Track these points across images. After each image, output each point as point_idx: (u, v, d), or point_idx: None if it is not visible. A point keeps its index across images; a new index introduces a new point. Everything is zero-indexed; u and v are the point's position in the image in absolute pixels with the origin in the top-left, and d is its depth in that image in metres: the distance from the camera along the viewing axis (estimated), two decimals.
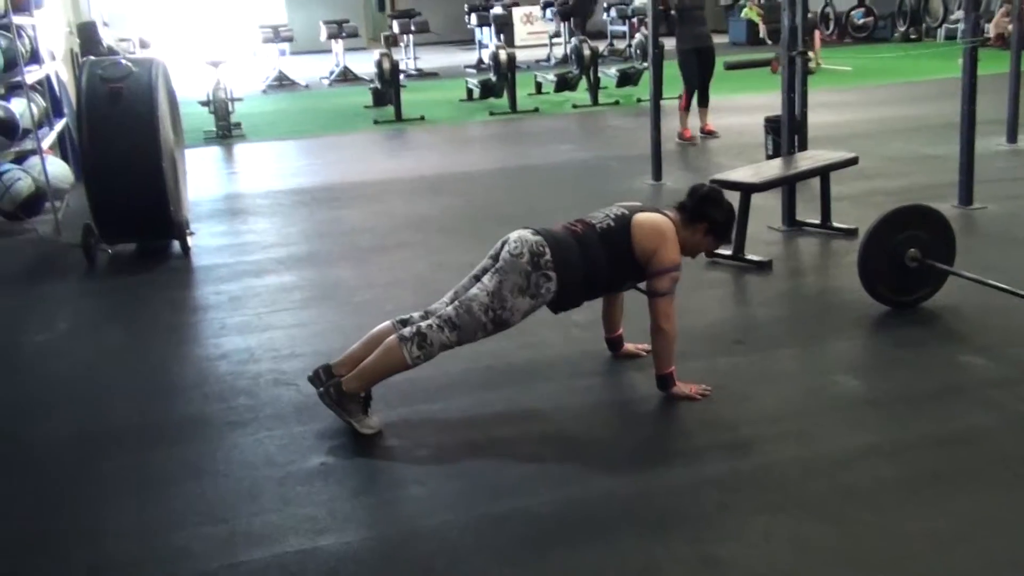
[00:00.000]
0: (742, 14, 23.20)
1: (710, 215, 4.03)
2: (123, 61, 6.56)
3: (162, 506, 3.37)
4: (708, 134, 10.30)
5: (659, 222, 3.95)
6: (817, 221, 6.45)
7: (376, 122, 12.94)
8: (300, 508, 3.28)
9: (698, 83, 10.16)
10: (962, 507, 3.09)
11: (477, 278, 3.94)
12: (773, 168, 6.51)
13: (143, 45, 17.03)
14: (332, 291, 5.78)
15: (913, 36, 19.10)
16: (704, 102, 10.27)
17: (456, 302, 3.83)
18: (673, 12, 10.00)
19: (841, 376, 4.19)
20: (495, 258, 3.92)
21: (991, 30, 17.45)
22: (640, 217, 3.96)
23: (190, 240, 6.78)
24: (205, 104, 12.26)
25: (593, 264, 3.88)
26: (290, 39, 19.72)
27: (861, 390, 4.07)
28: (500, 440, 3.70)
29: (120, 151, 6.21)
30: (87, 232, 6.45)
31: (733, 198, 5.83)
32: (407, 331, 3.76)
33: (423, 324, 3.78)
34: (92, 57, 6.98)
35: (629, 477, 3.40)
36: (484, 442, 3.69)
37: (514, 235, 3.90)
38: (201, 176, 9.52)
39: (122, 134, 6.22)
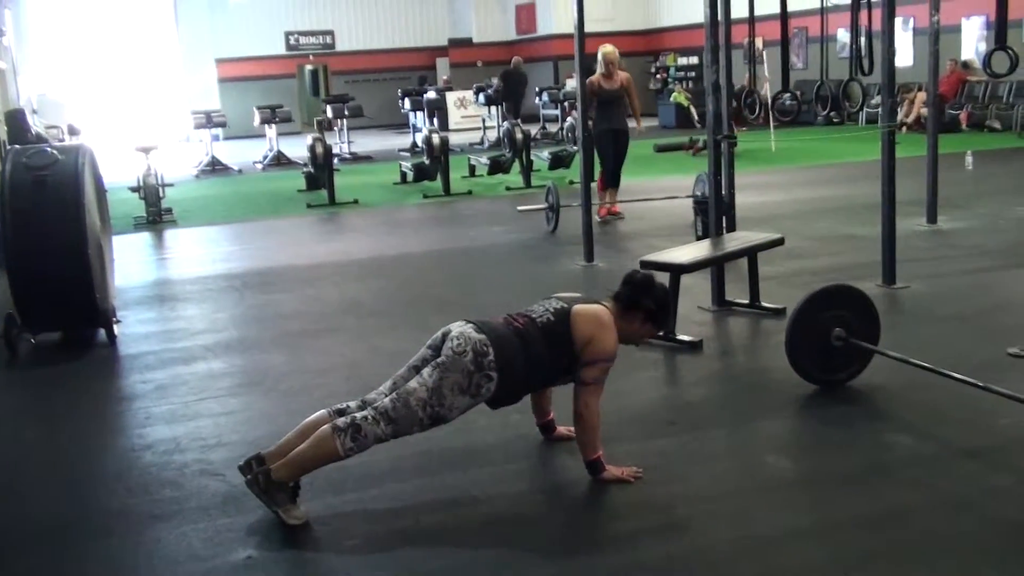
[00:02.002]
0: (671, 98, 23.75)
1: (645, 303, 4.06)
2: (48, 148, 6.50)
3: None
4: (613, 215, 10.47)
5: (598, 312, 3.98)
6: (746, 301, 6.53)
7: (309, 206, 12.92)
8: None
9: (611, 165, 10.34)
10: None
11: (416, 368, 3.90)
12: (702, 249, 6.60)
13: (72, 132, 16.95)
14: (261, 378, 5.70)
15: (836, 120, 19.65)
16: (615, 183, 10.46)
17: (394, 395, 3.79)
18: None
19: (772, 456, 4.21)
20: (435, 350, 3.89)
21: (911, 113, 18.04)
22: (578, 308, 3.98)
23: (117, 328, 6.66)
24: (135, 190, 12.16)
25: (534, 362, 3.89)
26: (223, 124, 19.73)
27: (791, 470, 4.09)
28: (431, 528, 3.65)
29: (44, 239, 6.12)
30: (9, 322, 6.31)
31: (663, 279, 5.91)
32: (341, 421, 3.71)
33: (358, 415, 3.73)
34: (17, 146, 6.89)
35: (562, 564, 3.36)
36: (414, 531, 3.63)
37: (456, 329, 3.87)
38: (130, 262, 9.40)
39: (47, 222, 6.13)
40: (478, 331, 3.83)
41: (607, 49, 10.25)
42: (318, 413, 3.90)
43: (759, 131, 16.64)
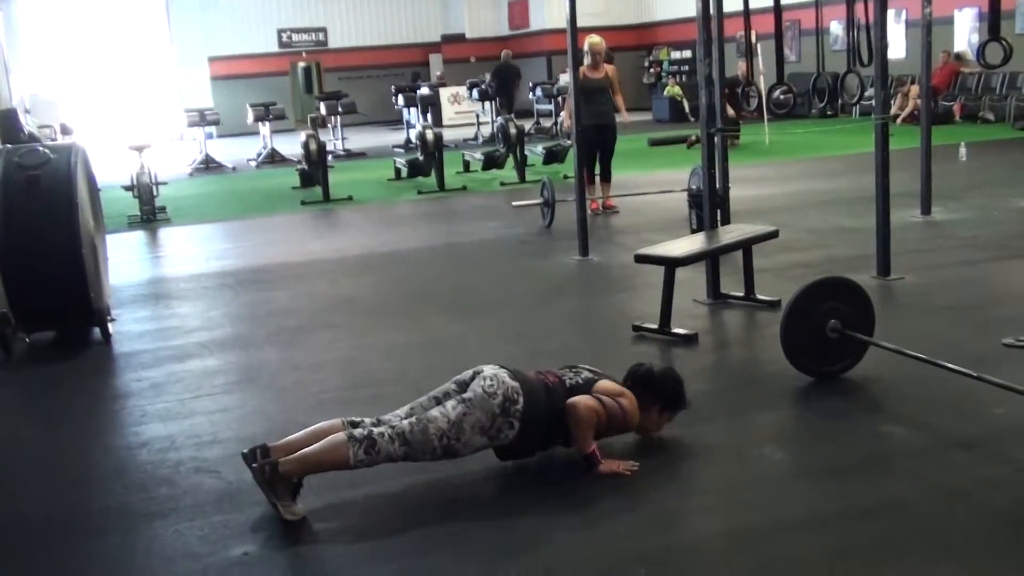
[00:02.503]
0: (665, 92, 23.76)
1: (659, 395, 4.17)
2: (41, 148, 6.49)
3: None
4: (608, 208, 10.45)
5: (623, 390, 4.09)
6: (741, 294, 6.54)
7: (303, 203, 12.91)
8: None
9: (600, 158, 10.33)
10: None
11: (437, 400, 3.94)
12: (697, 242, 6.61)
13: (65, 131, 16.92)
14: (256, 375, 5.69)
15: (830, 112, 19.67)
16: (606, 177, 10.46)
17: (414, 418, 3.82)
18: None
19: (767, 448, 4.21)
20: (461, 386, 3.93)
21: (906, 107, 18.05)
22: (606, 381, 4.09)
23: (111, 326, 6.65)
24: (129, 188, 12.13)
25: (556, 422, 3.93)
26: (216, 122, 19.69)
27: (787, 462, 4.10)
28: (428, 525, 3.64)
29: (38, 238, 6.11)
30: (3, 321, 6.29)
31: (658, 272, 5.93)
32: (358, 432, 3.74)
33: (375, 430, 3.75)
34: (9, 145, 6.87)
35: (557, 557, 3.36)
36: (412, 527, 3.63)
37: (489, 371, 3.91)
38: (124, 261, 9.38)
39: (40, 221, 6.12)
40: (512, 378, 3.88)
41: (593, 40, 10.27)
42: (332, 421, 3.92)
43: (753, 124, 16.65)
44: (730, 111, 14.70)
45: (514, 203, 10.75)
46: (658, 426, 4.24)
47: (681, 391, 4.25)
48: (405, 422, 3.80)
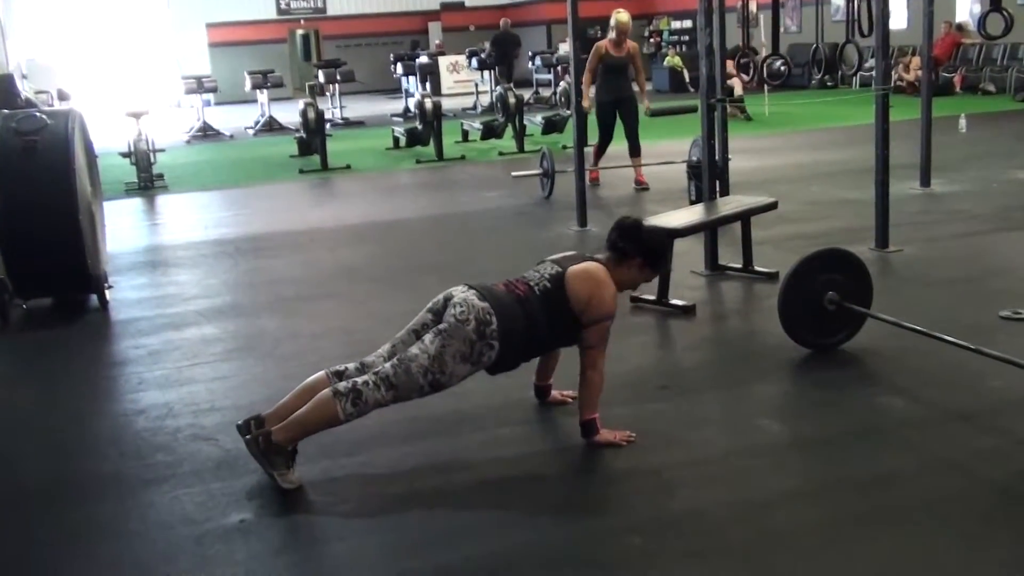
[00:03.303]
0: (665, 62, 23.66)
1: (641, 247, 4.04)
2: (38, 114, 6.46)
3: (74, 569, 3.26)
4: (639, 184, 10.28)
5: (591, 269, 3.96)
6: (739, 265, 6.53)
7: (302, 171, 12.87)
8: (218, 568, 3.20)
9: (626, 133, 10.27)
10: (883, 550, 3.11)
11: (416, 333, 3.89)
12: (696, 213, 6.59)
13: (62, 97, 16.81)
14: (255, 343, 5.69)
15: (829, 83, 19.59)
16: (635, 151, 10.30)
17: (395, 360, 3.76)
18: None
19: (764, 419, 4.22)
20: (436, 314, 3.87)
21: (908, 75, 17.97)
22: (572, 270, 3.95)
23: (108, 294, 6.64)
24: (126, 155, 12.09)
25: (535, 330, 3.87)
26: (214, 89, 19.61)
27: (784, 433, 4.11)
28: (424, 492, 3.65)
29: (35, 205, 6.08)
30: (0, 287, 6.29)
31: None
32: (342, 386, 3.69)
33: (359, 380, 3.71)
34: (6, 111, 6.84)
35: (554, 527, 3.38)
36: (407, 495, 3.64)
37: (459, 296, 3.84)
38: (121, 228, 9.36)
39: (37, 187, 6.10)
40: (481, 299, 3.81)
41: (621, 17, 10.05)
42: (317, 375, 3.89)
43: (752, 95, 16.59)
44: (738, 85, 14.67)
45: (513, 173, 10.72)
46: (639, 283, 4.20)
47: (664, 249, 4.17)
48: (387, 366, 3.74)
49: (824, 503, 3.44)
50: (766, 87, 15.52)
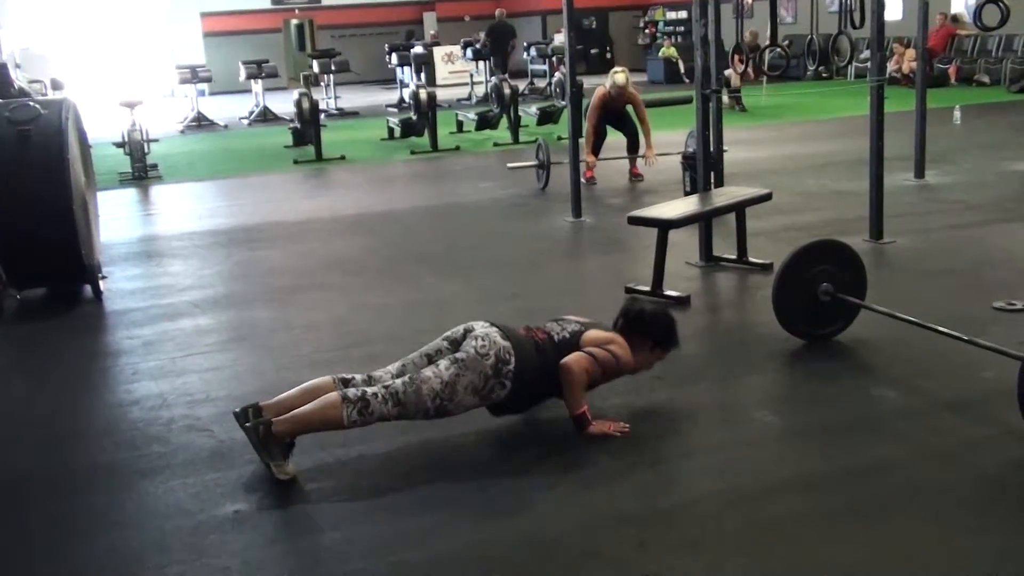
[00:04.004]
0: (660, 53, 23.63)
1: (650, 333, 4.16)
2: (31, 103, 6.44)
3: (68, 559, 3.26)
4: (634, 175, 10.32)
5: (614, 336, 4.09)
6: (733, 256, 6.54)
7: (296, 162, 12.85)
8: (213, 558, 3.20)
9: (626, 134, 10.26)
10: (876, 539, 3.12)
11: (429, 357, 3.94)
12: (690, 204, 6.60)
13: (56, 87, 16.77)
14: (249, 334, 5.69)
15: (824, 74, 19.57)
16: (633, 148, 10.27)
17: (407, 378, 3.80)
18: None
19: (758, 410, 4.23)
20: (452, 344, 3.93)
21: (903, 67, 17.97)
22: (594, 330, 4.08)
23: (103, 284, 6.63)
24: (120, 145, 12.06)
25: (547, 378, 3.93)
26: (208, 79, 19.54)
27: (778, 424, 4.12)
28: (418, 484, 3.66)
29: (29, 194, 6.07)
30: None
31: (651, 234, 5.92)
32: (352, 393, 3.72)
33: (369, 391, 3.74)
34: (0, 100, 6.82)
35: (548, 518, 3.38)
36: (402, 486, 3.64)
37: (480, 330, 3.89)
38: (115, 218, 9.35)
39: (31, 177, 6.08)
40: (503, 337, 3.87)
41: (619, 80, 9.89)
42: (323, 378, 3.92)
43: (748, 86, 16.58)
44: (735, 77, 14.62)
45: (509, 164, 10.70)
46: (650, 365, 4.24)
47: (673, 328, 4.24)
48: (398, 382, 3.79)
49: (818, 493, 3.45)
50: (765, 79, 15.53)
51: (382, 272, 7.01)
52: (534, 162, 9.97)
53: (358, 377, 3.92)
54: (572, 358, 3.94)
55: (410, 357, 3.99)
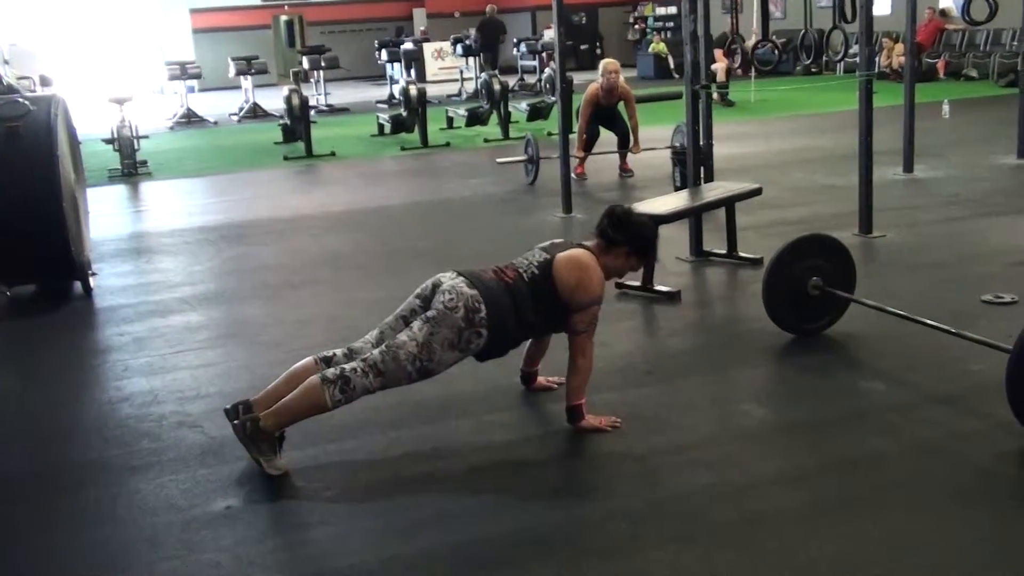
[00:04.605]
0: (650, 49, 23.64)
1: (629, 235, 4.04)
2: (20, 99, 6.42)
3: (59, 555, 3.26)
4: (624, 171, 10.31)
5: (577, 256, 3.96)
6: (723, 251, 6.55)
7: (286, 158, 12.83)
8: (204, 554, 3.20)
9: (616, 132, 10.26)
10: (865, 531, 3.14)
11: (405, 319, 3.89)
12: (680, 199, 6.61)
13: (44, 83, 16.69)
14: (239, 330, 5.69)
15: (814, 69, 19.60)
16: (624, 144, 10.27)
17: (383, 347, 3.76)
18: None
19: (748, 404, 4.24)
20: (424, 300, 3.87)
21: (892, 61, 18.01)
22: (560, 256, 3.96)
23: (92, 281, 6.62)
24: (109, 142, 12.02)
25: (523, 317, 3.88)
26: (198, 76, 19.48)
27: (768, 418, 4.13)
28: (410, 478, 3.66)
29: (18, 191, 6.05)
30: None
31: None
32: (331, 373, 3.69)
33: (347, 367, 3.71)
34: None
35: (541, 512, 3.39)
36: (394, 481, 3.65)
37: (447, 283, 3.84)
38: (105, 215, 9.33)
39: (20, 174, 6.06)
40: (470, 286, 3.81)
41: (609, 65, 9.95)
42: (304, 361, 3.89)
43: (737, 81, 16.60)
44: (721, 71, 14.64)
45: (498, 160, 10.71)
46: (622, 272, 4.19)
47: (654, 238, 4.17)
48: (375, 352, 3.74)
49: (808, 486, 3.46)
50: (753, 74, 15.54)
51: (372, 268, 7.00)
52: (523, 157, 9.97)
53: (338, 352, 3.88)
54: (579, 349, 3.91)
55: (386, 321, 3.94)
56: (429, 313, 3.79)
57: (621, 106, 10.19)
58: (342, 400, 3.69)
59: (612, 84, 9.89)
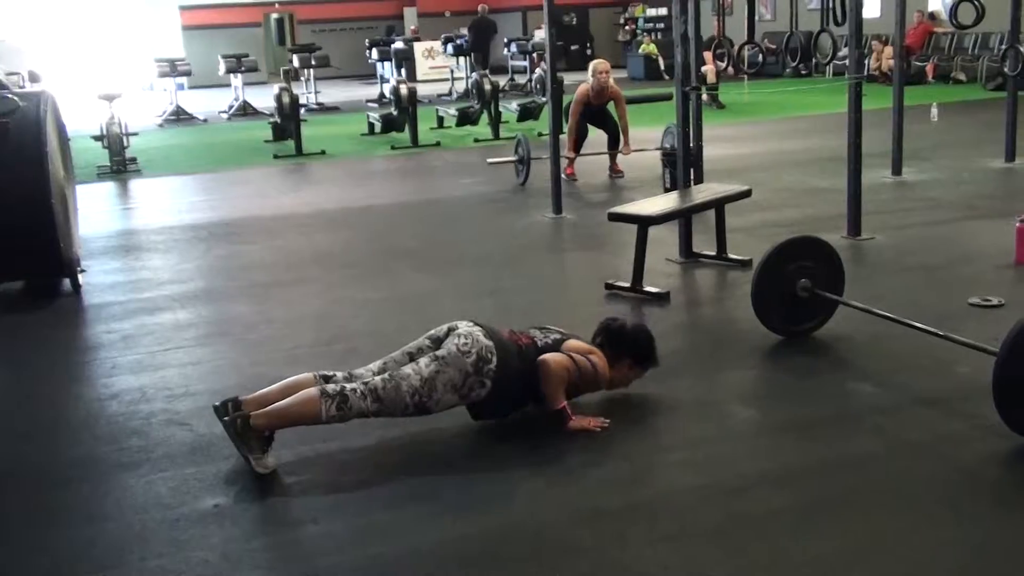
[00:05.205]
0: (640, 50, 23.67)
1: (630, 350, 4.19)
2: (9, 95, 6.39)
3: (47, 553, 3.26)
4: (615, 172, 10.31)
5: (593, 347, 4.12)
6: (713, 253, 6.57)
7: (276, 156, 12.82)
8: (192, 551, 3.20)
9: (607, 132, 10.26)
10: (851, 532, 3.15)
11: (411, 356, 3.94)
12: (670, 201, 6.62)
13: (33, 79, 16.63)
14: (228, 328, 5.68)
15: (804, 72, 19.67)
16: (614, 144, 10.28)
17: (387, 374, 3.81)
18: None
19: (736, 405, 4.26)
20: (435, 342, 3.93)
21: (881, 64, 18.07)
22: (574, 340, 4.11)
23: (81, 278, 6.60)
24: (99, 138, 11.99)
25: (527, 383, 3.94)
26: (188, 73, 19.45)
27: (755, 419, 4.15)
28: (397, 478, 3.67)
29: (6, 187, 6.02)
30: None
31: (631, 231, 5.94)
32: (331, 388, 3.73)
33: (348, 386, 3.75)
34: None
35: (528, 511, 3.40)
36: (381, 480, 3.65)
37: (464, 328, 3.90)
38: (94, 212, 9.30)
39: (9, 170, 6.03)
40: (486, 337, 3.88)
41: (599, 66, 9.97)
42: (304, 375, 3.92)
43: (727, 83, 16.63)
44: (711, 73, 14.68)
45: (489, 160, 10.71)
46: (627, 381, 4.27)
47: (652, 346, 4.27)
48: (378, 379, 3.80)
49: (795, 487, 3.48)
50: (746, 76, 15.58)
51: (362, 267, 7.00)
52: (513, 157, 9.98)
53: (339, 374, 3.93)
54: (550, 356, 3.96)
55: (392, 355, 4.00)
56: (440, 352, 3.84)
57: (611, 106, 10.20)
58: (336, 417, 3.72)
59: (602, 84, 9.91)
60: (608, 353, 4.14)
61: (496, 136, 13.55)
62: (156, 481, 3.71)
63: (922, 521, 3.23)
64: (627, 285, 5.85)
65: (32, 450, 4.11)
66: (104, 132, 11.78)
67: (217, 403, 3.85)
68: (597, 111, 10.16)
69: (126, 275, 7.03)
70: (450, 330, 3.94)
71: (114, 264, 7.36)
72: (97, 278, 6.88)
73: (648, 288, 5.84)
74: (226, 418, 3.73)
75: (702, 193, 6.58)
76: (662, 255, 6.61)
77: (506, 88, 19.49)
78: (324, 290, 6.41)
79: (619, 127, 10.16)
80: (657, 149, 9.50)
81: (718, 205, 6.44)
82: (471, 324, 3.95)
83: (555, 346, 4.03)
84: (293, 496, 3.57)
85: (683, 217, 6.52)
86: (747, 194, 6.57)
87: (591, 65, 10.15)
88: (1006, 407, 3.62)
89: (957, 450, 3.69)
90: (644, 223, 5.91)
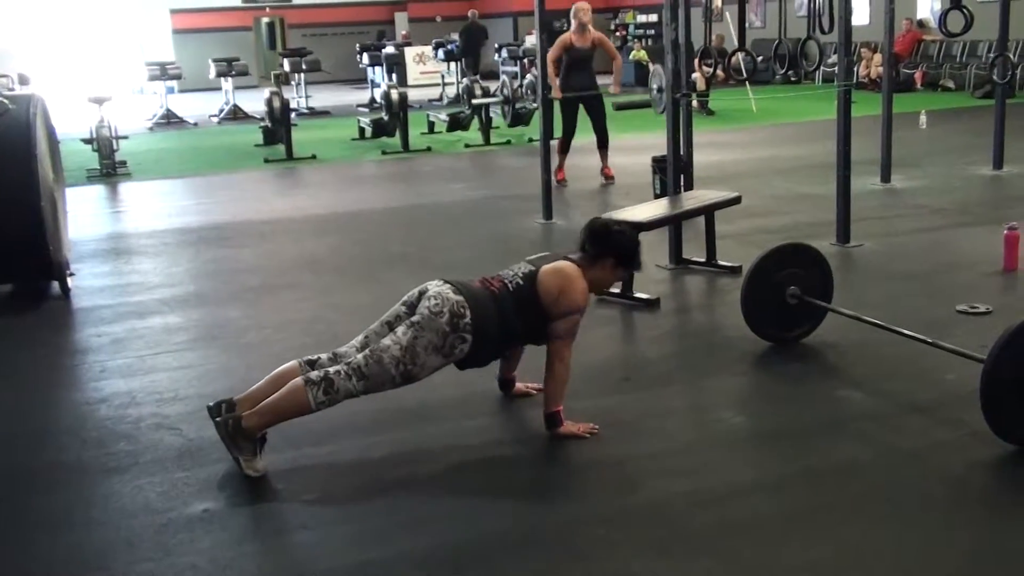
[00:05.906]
0: (631, 56, 23.70)
1: (613, 248, 4.08)
2: None
3: (35, 557, 3.25)
4: (606, 178, 10.26)
5: (562, 267, 4.00)
6: (703, 259, 6.58)
7: (266, 161, 12.81)
8: (181, 557, 3.19)
9: (593, 127, 10.24)
10: (840, 539, 3.16)
11: (390, 325, 3.91)
12: (660, 207, 6.64)
13: (23, 81, 16.59)
14: (219, 332, 5.67)
15: (793, 79, 19.74)
16: (603, 143, 10.27)
17: (367, 351, 3.79)
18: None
19: (725, 412, 4.27)
20: (410, 307, 3.90)
21: (870, 71, 18.15)
22: (545, 268, 4.00)
23: (70, 281, 6.58)
24: (88, 142, 11.97)
25: (507, 326, 3.91)
26: (178, 76, 19.43)
27: (745, 425, 4.16)
28: (389, 482, 3.67)
29: None
30: None
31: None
32: (314, 375, 3.71)
33: (331, 370, 3.73)
34: None
35: (518, 517, 3.40)
36: (372, 486, 3.65)
37: (433, 289, 3.87)
38: (84, 215, 9.27)
39: None
40: (456, 292, 3.84)
41: (579, 4, 9.93)
42: (289, 363, 3.90)
43: (719, 90, 16.69)
44: (700, 80, 14.72)
45: (474, 100, 10.41)
46: (608, 284, 4.24)
47: (636, 248, 4.20)
48: (359, 356, 3.76)
49: (784, 494, 3.49)
50: (748, 84, 15.64)
51: (352, 272, 7.00)
52: (498, 98, 9.70)
53: (323, 356, 3.90)
54: (556, 356, 3.93)
55: (372, 327, 3.96)
56: (414, 318, 3.81)
57: (607, 105, 10.16)
58: (325, 402, 3.70)
59: (582, 23, 9.81)
60: (590, 253, 4.06)
61: (487, 141, 13.54)
62: (145, 486, 3.70)
63: (911, 527, 3.24)
64: (617, 291, 5.85)
65: (19, 454, 4.09)
66: (94, 135, 11.76)
67: (211, 403, 3.84)
68: (581, 56, 9.93)
69: (116, 279, 7.02)
70: (421, 293, 3.90)
71: (104, 268, 7.35)
72: (86, 282, 6.86)
73: (638, 294, 5.85)
74: (218, 419, 3.72)
75: (692, 200, 6.59)
76: (652, 261, 6.62)
77: (496, 93, 19.48)
78: (314, 294, 6.41)
79: (606, 124, 10.12)
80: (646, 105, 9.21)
81: (708, 212, 6.45)
82: (440, 282, 3.90)
83: (528, 283, 3.93)
84: (283, 501, 3.56)
85: (673, 224, 6.54)
86: (736, 201, 6.58)
87: (573, 7, 9.99)
88: (993, 414, 3.64)
89: (945, 456, 3.71)
90: (635, 230, 5.90)
